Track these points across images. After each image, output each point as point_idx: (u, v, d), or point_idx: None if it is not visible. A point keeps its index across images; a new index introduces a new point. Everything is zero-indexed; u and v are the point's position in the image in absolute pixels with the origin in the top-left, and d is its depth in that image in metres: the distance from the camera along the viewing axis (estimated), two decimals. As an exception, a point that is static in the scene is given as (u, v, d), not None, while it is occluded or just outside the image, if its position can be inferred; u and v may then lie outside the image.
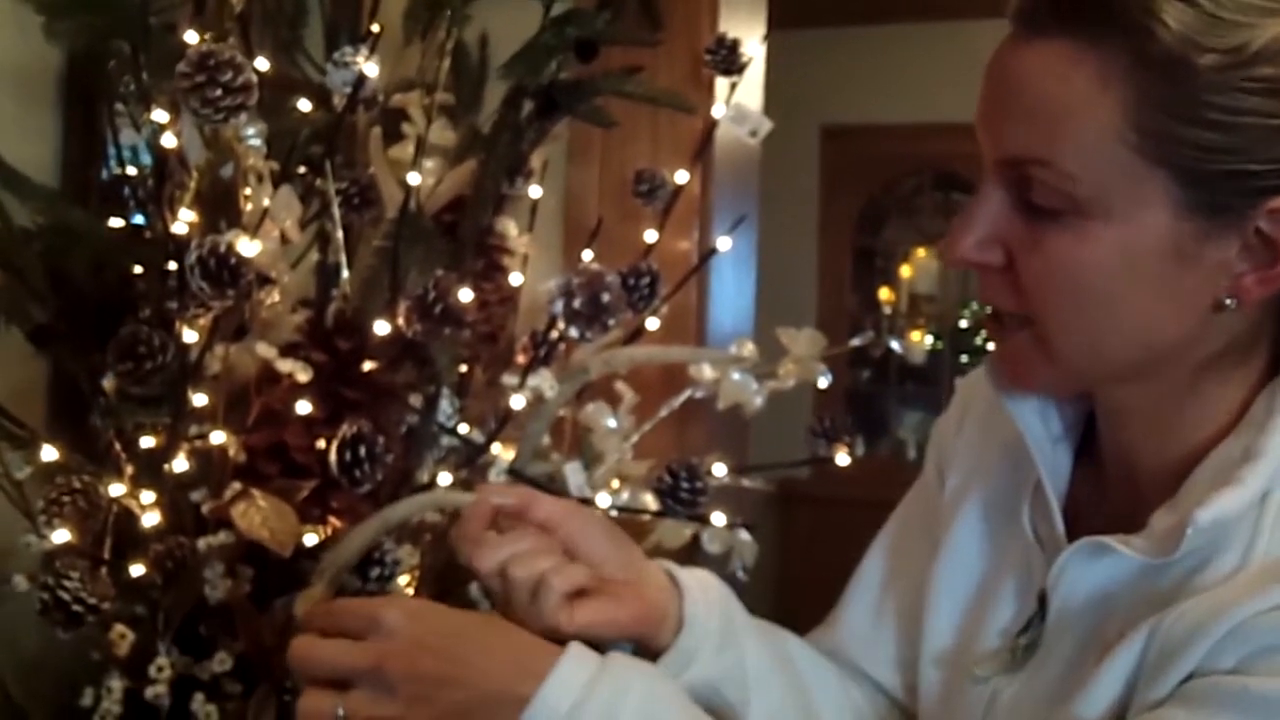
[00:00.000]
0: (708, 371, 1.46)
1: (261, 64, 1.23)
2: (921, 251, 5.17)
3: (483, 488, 0.96)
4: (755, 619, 1.03)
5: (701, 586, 0.97)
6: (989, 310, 0.85)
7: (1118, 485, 0.89)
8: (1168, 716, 0.75)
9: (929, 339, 5.09)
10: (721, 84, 1.54)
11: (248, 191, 1.29)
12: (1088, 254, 0.76)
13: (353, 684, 0.80)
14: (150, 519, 1.21)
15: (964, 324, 5.09)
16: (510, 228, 1.55)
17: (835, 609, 1.12)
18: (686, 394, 1.48)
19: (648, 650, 0.93)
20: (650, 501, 1.40)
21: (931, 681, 0.96)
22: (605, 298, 1.17)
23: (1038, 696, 0.86)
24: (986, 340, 0.87)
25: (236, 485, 1.20)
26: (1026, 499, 0.92)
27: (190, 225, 1.21)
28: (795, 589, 4.74)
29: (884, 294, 5.18)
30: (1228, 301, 0.77)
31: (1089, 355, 0.81)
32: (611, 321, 1.19)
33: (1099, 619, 0.83)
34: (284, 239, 1.29)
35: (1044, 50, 0.76)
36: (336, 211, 1.33)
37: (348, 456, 1.18)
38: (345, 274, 1.33)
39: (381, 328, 1.26)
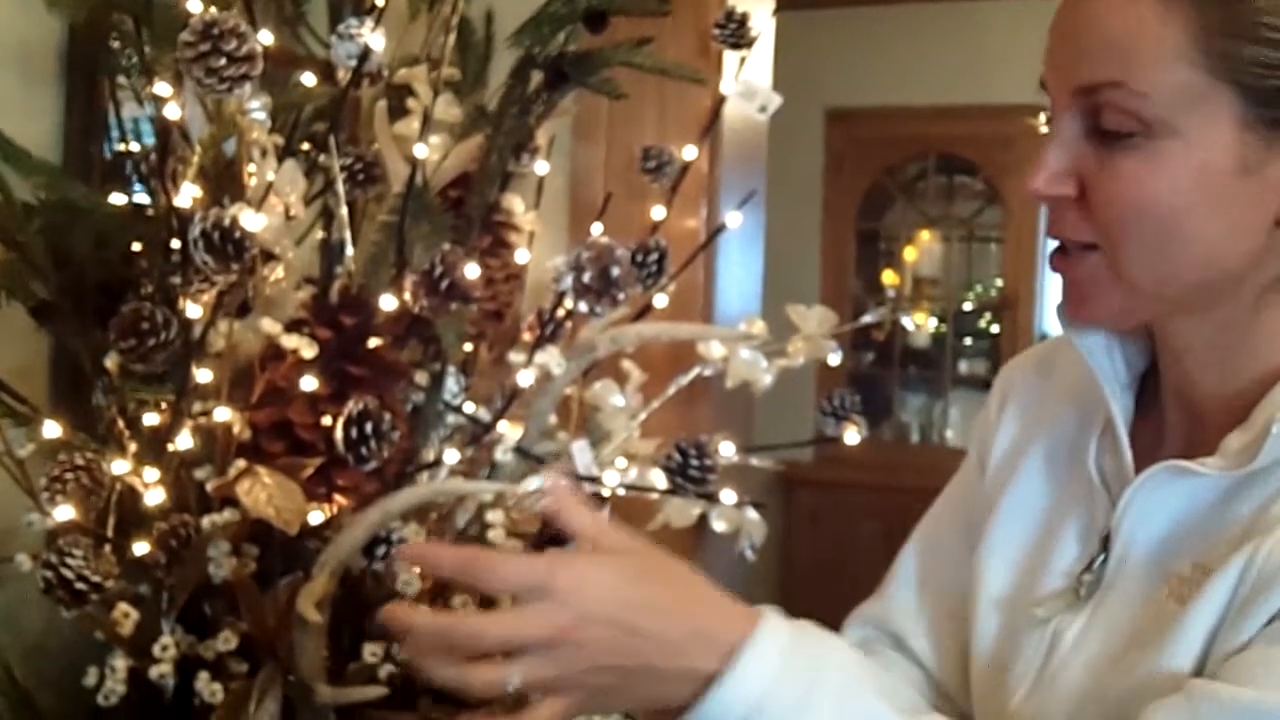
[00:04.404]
0: (717, 349, 1.44)
1: (265, 38, 1.21)
2: (925, 234, 5.15)
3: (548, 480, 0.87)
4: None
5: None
6: (1056, 245, 0.87)
7: (1176, 429, 0.91)
8: (1268, 658, 0.74)
9: (932, 322, 5.08)
10: (729, 62, 1.53)
11: (251, 167, 1.27)
12: (1158, 173, 0.80)
13: (523, 651, 0.76)
14: (154, 497, 1.20)
15: (967, 307, 5.09)
16: (516, 204, 1.53)
17: (883, 582, 1.12)
18: (696, 372, 1.47)
19: None
20: (658, 480, 1.39)
21: (989, 626, 0.96)
22: (615, 272, 1.15)
23: (1103, 632, 0.87)
24: (1056, 271, 0.89)
25: (241, 463, 1.19)
26: (1094, 439, 0.94)
27: (194, 200, 1.19)
28: (797, 570, 4.76)
29: (887, 277, 5.17)
30: None
31: (1158, 277, 0.83)
32: (621, 296, 1.18)
33: (1168, 552, 0.85)
34: (288, 214, 1.28)
35: None
36: (340, 187, 1.32)
37: (354, 433, 1.16)
38: (350, 251, 1.32)
39: (388, 303, 1.25)
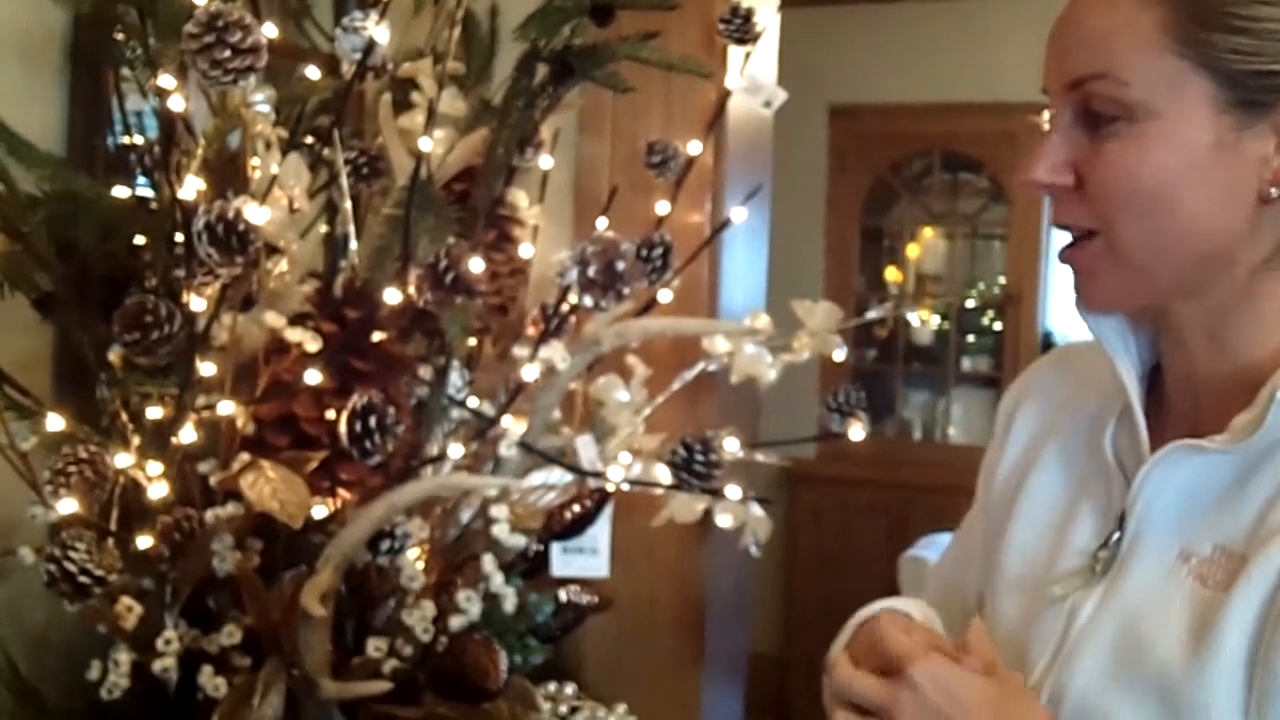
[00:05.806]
0: (721, 344, 1.44)
1: (270, 30, 1.21)
2: (929, 231, 5.14)
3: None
4: None
5: None
6: (1064, 234, 0.93)
7: (1181, 416, 0.94)
8: None
9: (935, 319, 5.07)
10: (734, 57, 1.52)
11: (255, 160, 1.27)
12: (1142, 153, 0.87)
13: (872, 713, 0.86)
14: (158, 490, 1.19)
15: (970, 304, 5.07)
16: (521, 199, 1.53)
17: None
18: (701, 366, 1.47)
19: None
20: (663, 475, 1.39)
21: (1008, 606, 1.00)
22: (620, 266, 1.15)
23: (1117, 607, 0.90)
24: (1064, 263, 0.95)
25: (245, 456, 1.18)
26: (1111, 423, 0.98)
27: (198, 193, 1.19)
28: (800, 565, 4.75)
29: (891, 274, 5.15)
30: (1273, 191, 0.86)
31: (1153, 252, 0.89)
32: (626, 291, 1.17)
33: (1183, 529, 0.89)
34: (292, 208, 1.28)
35: None
36: (345, 181, 1.31)
37: (358, 427, 1.16)
38: (354, 244, 1.32)
39: (392, 297, 1.24)
